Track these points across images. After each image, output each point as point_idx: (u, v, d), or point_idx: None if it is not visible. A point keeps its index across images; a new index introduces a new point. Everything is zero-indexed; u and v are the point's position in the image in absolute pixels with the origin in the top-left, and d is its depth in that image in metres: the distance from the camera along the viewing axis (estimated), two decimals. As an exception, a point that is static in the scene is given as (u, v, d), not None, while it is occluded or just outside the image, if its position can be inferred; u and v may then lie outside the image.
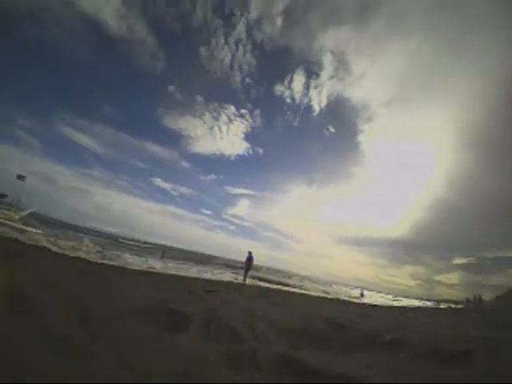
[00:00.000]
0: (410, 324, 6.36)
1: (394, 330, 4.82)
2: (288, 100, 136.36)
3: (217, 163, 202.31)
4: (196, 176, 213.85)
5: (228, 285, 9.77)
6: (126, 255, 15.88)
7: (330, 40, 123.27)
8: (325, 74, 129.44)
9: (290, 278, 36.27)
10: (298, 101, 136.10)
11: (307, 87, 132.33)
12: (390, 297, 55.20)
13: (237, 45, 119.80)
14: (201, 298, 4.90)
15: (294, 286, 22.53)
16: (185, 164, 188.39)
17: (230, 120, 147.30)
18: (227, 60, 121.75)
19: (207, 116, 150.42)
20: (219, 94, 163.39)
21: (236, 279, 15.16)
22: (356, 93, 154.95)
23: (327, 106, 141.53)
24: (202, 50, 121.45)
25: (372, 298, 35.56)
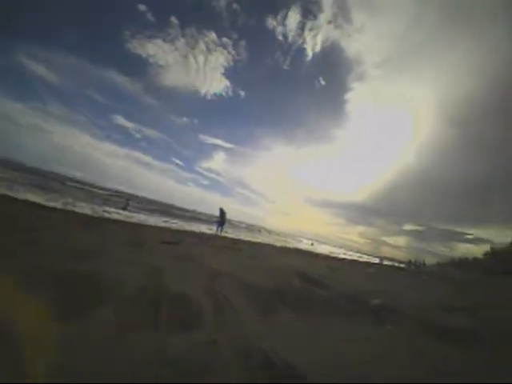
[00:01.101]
0: (384, 285, 6.14)
1: (375, 293, 4.35)
2: (280, 37, 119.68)
3: (190, 102, 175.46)
4: (165, 116, 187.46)
5: (194, 235, 8.73)
6: (82, 202, 13.72)
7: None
8: (323, 17, 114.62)
9: (259, 231, 37.47)
10: (290, 40, 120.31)
11: (302, 27, 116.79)
12: (342, 250, 62.34)
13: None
14: (148, 252, 3.65)
15: (264, 239, 23.00)
16: (151, 101, 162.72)
17: (208, 49, 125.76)
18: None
19: (182, 42, 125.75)
20: (199, 17, 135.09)
21: (209, 230, 14.39)
22: (352, 45, 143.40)
23: (321, 52, 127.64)
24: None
25: (327, 249, 39.19)
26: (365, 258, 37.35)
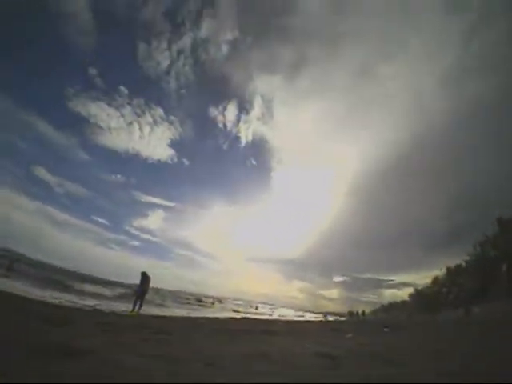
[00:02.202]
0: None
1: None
2: (220, 125, 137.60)
3: (129, 163, 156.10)
4: (97, 173, 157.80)
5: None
6: None
7: (262, 85, 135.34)
8: (253, 114, 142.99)
9: (200, 301, 29.88)
10: (228, 128, 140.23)
11: (238, 120, 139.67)
12: (292, 311, 57.06)
13: (179, 55, 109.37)
14: None
15: (208, 311, 17.37)
16: (84, 156, 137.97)
17: (155, 122, 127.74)
18: (165, 64, 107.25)
19: (128, 110, 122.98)
20: (148, 92, 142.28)
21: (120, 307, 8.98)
22: (275, 137, 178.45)
23: (252, 141, 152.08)
24: (141, 46, 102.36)
25: (281, 312, 34.85)
26: (314, 316, 35.20)
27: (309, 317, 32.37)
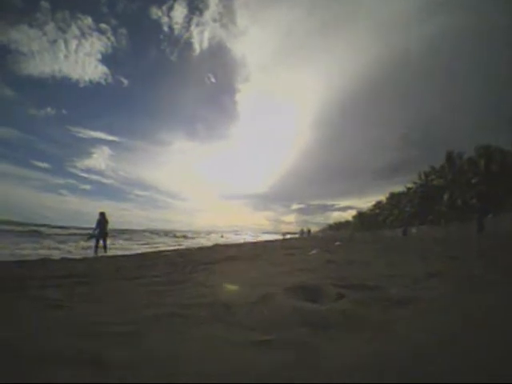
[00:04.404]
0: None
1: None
2: (165, 28, 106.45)
3: (57, 91, 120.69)
4: (24, 110, 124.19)
5: None
6: None
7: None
8: (208, 15, 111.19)
9: (185, 236, 29.73)
10: (177, 33, 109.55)
11: (189, 22, 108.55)
12: (258, 234, 64.21)
13: None
14: None
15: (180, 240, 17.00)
16: (8, 92, 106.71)
17: (82, 34, 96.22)
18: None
19: (51, 27, 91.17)
20: (75, 3, 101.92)
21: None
22: (237, 47, 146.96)
23: (209, 49, 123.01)
24: None
25: (249, 236, 38.40)
26: (275, 237, 40.19)
27: (271, 238, 36.71)
